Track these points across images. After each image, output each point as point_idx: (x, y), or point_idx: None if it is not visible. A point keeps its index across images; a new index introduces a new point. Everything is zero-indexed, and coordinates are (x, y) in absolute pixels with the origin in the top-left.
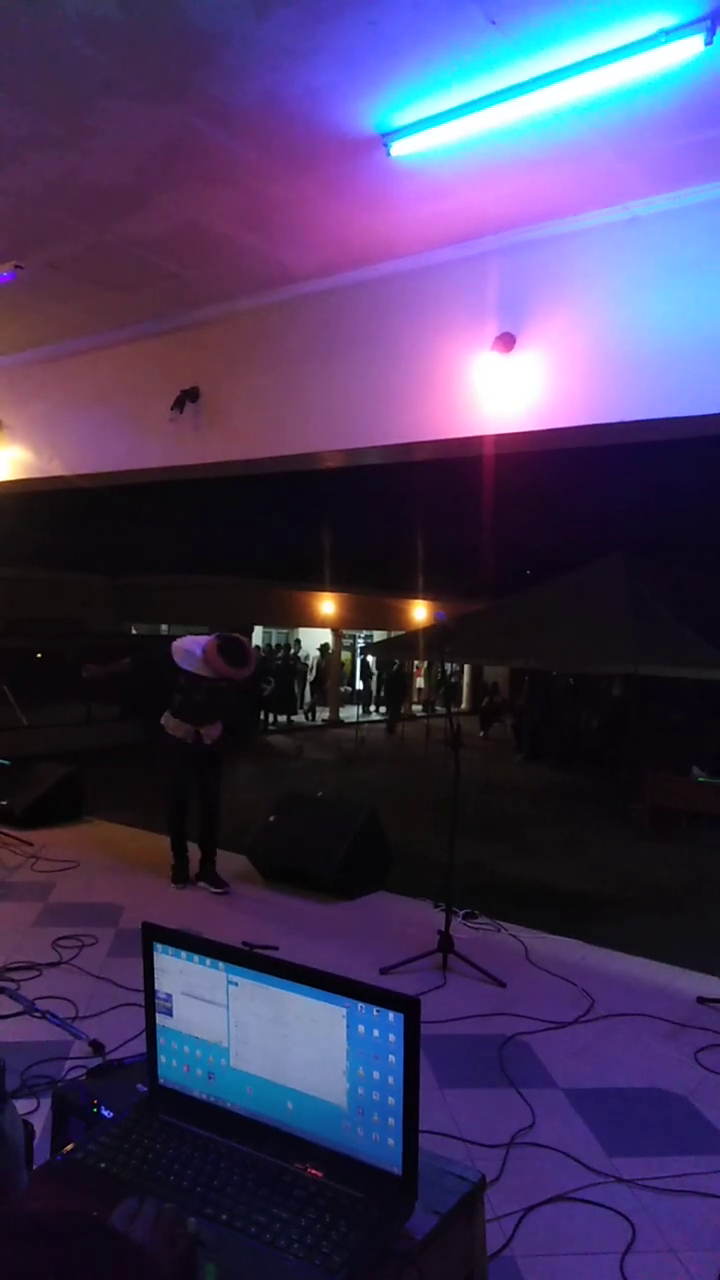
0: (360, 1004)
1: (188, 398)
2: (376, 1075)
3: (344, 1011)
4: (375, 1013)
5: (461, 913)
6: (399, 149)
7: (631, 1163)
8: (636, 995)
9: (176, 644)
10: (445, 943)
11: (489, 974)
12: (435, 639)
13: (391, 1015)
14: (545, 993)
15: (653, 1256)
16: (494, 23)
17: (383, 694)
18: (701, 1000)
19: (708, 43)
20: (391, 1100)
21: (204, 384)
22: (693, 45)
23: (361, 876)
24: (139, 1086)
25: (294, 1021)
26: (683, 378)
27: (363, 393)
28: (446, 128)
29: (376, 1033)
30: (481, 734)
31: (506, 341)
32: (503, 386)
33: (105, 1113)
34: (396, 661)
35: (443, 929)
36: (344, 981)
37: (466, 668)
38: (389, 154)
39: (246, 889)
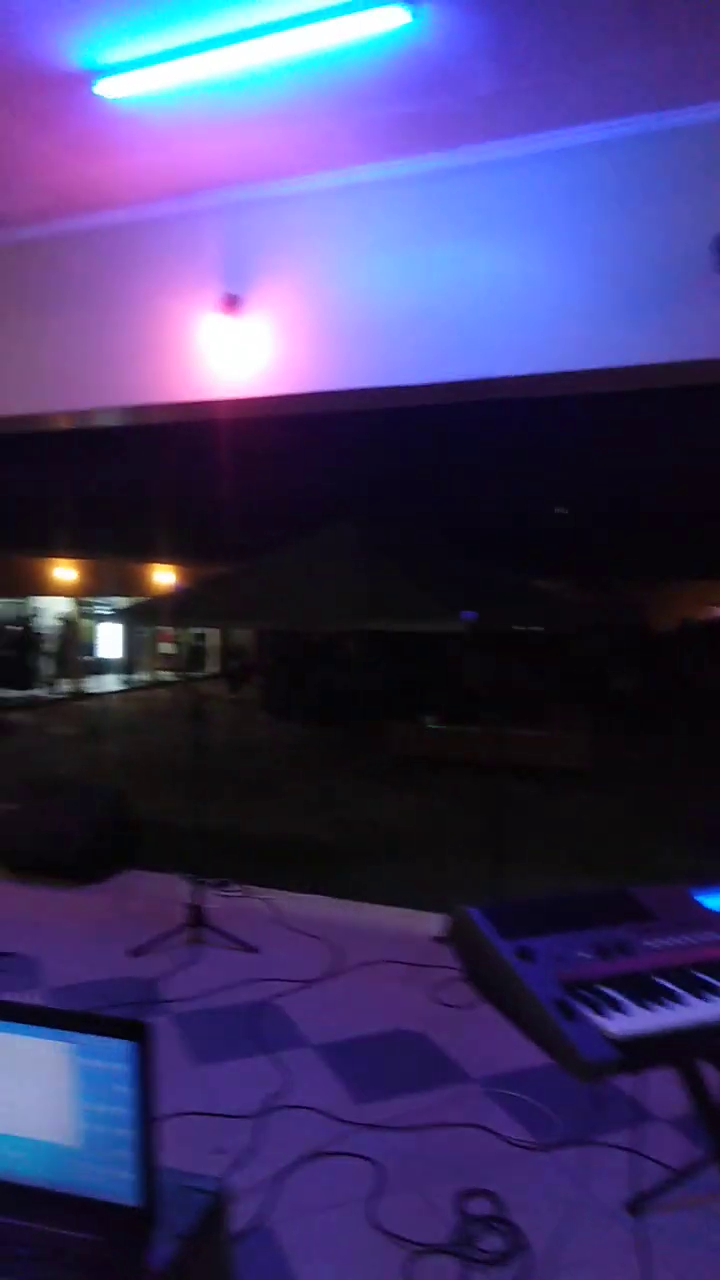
0: (86, 1037)
1: None
2: (109, 1109)
3: (69, 1048)
4: (103, 1044)
5: (212, 882)
6: (107, 88)
7: (377, 1108)
8: (380, 943)
9: None
10: (196, 915)
11: (240, 941)
12: (180, 604)
13: (121, 1045)
14: (295, 953)
15: (399, 1196)
16: None
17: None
18: (437, 939)
19: (411, 15)
20: (127, 1132)
21: None
22: (398, 15)
23: (108, 858)
24: None
25: (13, 1065)
26: (399, 348)
27: (87, 350)
28: (157, 71)
29: (106, 1065)
30: (232, 696)
31: (232, 303)
32: (231, 349)
33: None
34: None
35: (193, 902)
36: (66, 1015)
37: (214, 632)
38: (93, 92)
39: None
